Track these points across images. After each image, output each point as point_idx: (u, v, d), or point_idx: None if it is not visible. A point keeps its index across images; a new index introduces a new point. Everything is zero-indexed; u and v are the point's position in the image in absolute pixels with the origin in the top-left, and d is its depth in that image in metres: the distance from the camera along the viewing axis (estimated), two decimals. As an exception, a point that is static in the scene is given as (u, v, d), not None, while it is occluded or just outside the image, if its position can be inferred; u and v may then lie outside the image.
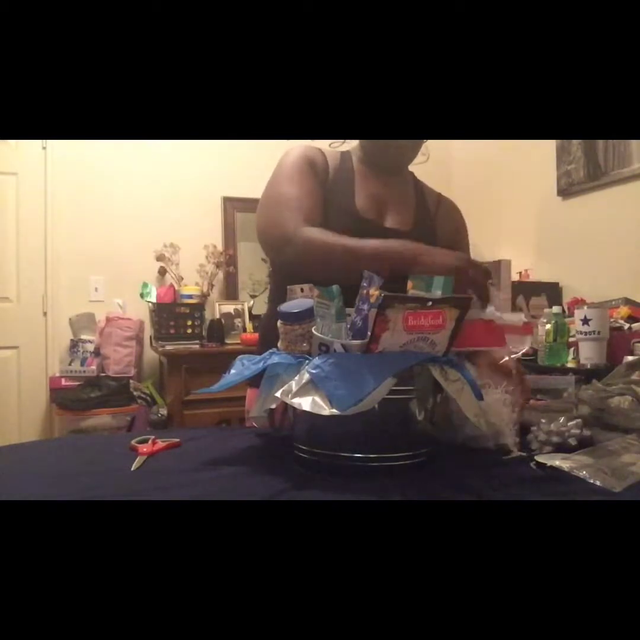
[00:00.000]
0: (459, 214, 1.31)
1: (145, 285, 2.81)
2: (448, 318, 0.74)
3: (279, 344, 0.86)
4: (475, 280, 0.88)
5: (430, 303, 0.72)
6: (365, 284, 0.78)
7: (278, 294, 1.21)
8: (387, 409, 0.72)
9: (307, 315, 0.82)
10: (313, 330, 0.79)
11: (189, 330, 2.78)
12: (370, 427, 0.73)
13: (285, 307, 0.85)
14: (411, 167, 1.32)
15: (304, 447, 0.77)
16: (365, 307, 0.76)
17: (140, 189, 3.01)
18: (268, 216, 1.10)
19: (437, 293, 0.80)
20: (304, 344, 0.82)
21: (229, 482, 0.72)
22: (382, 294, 0.70)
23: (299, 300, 0.87)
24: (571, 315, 2.14)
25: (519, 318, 0.99)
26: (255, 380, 0.87)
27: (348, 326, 0.78)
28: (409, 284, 0.81)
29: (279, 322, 0.85)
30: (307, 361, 0.76)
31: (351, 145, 1.26)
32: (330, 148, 1.23)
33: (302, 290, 0.87)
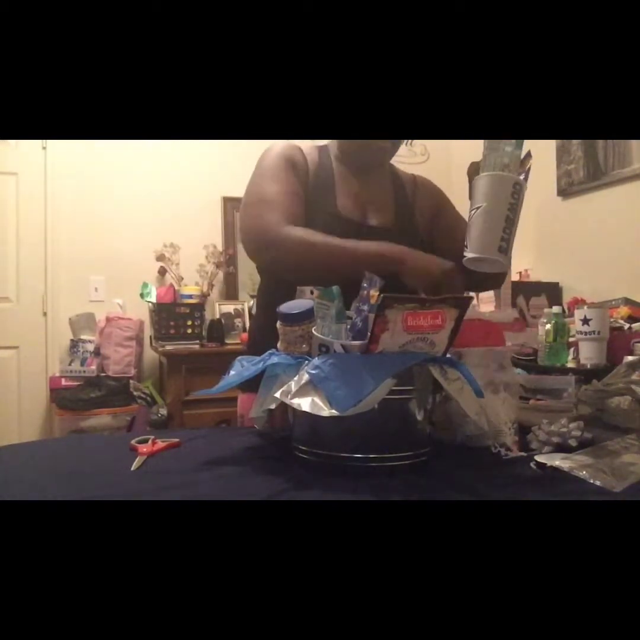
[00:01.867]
0: (435, 191, 1.28)
1: (145, 285, 2.80)
2: (447, 318, 0.74)
3: (278, 345, 0.86)
4: (453, 289, 0.89)
5: (428, 304, 0.73)
6: (365, 285, 0.78)
7: (266, 295, 1.21)
8: (386, 409, 0.72)
9: (306, 317, 0.82)
10: (313, 331, 0.79)
11: (189, 330, 2.78)
12: (370, 427, 0.73)
13: (285, 307, 0.85)
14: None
15: (303, 447, 0.77)
16: (366, 308, 0.76)
17: (141, 188, 3.00)
18: (250, 216, 1.07)
19: (509, 149, 0.85)
20: (303, 345, 0.82)
21: (229, 482, 0.72)
22: (382, 295, 0.70)
23: (299, 301, 0.87)
24: (571, 315, 2.14)
25: (509, 315, 1.00)
26: (247, 385, 0.88)
27: (348, 327, 0.78)
28: (485, 143, 0.86)
29: (278, 323, 0.85)
30: (306, 362, 0.76)
31: (329, 140, 1.23)
32: (308, 145, 1.19)
33: (312, 291, 0.87)
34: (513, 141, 0.85)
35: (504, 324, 0.97)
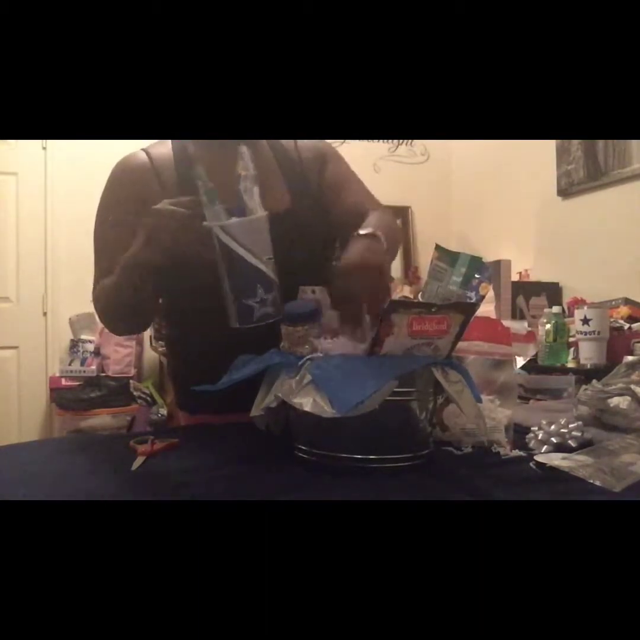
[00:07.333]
0: (318, 144, 1.15)
1: (145, 285, 2.80)
2: (452, 323, 0.74)
3: (281, 345, 0.86)
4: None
5: (434, 309, 0.73)
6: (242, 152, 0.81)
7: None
8: (388, 410, 0.72)
9: (309, 317, 0.82)
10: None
11: (189, 330, 2.77)
12: (371, 428, 0.72)
13: (288, 307, 0.85)
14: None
15: (304, 447, 0.77)
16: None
17: (140, 189, 3.00)
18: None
19: (462, 270, 0.81)
20: (306, 346, 0.82)
21: (229, 482, 0.72)
22: (390, 300, 0.71)
23: (302, 301, 0.87)
24: (571, 315, 2.14)
25: (523, 326, 0.99)
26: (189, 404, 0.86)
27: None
28: (434, 254, 0.84)
29: (282, 323, 0.85)
30: (308, 362, 0.76)
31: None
32: (165, 151, 1.08)
33: (313, 291, 0.87)
34: (462, 273, 0.81)
35: (517, 334, 0.96)
